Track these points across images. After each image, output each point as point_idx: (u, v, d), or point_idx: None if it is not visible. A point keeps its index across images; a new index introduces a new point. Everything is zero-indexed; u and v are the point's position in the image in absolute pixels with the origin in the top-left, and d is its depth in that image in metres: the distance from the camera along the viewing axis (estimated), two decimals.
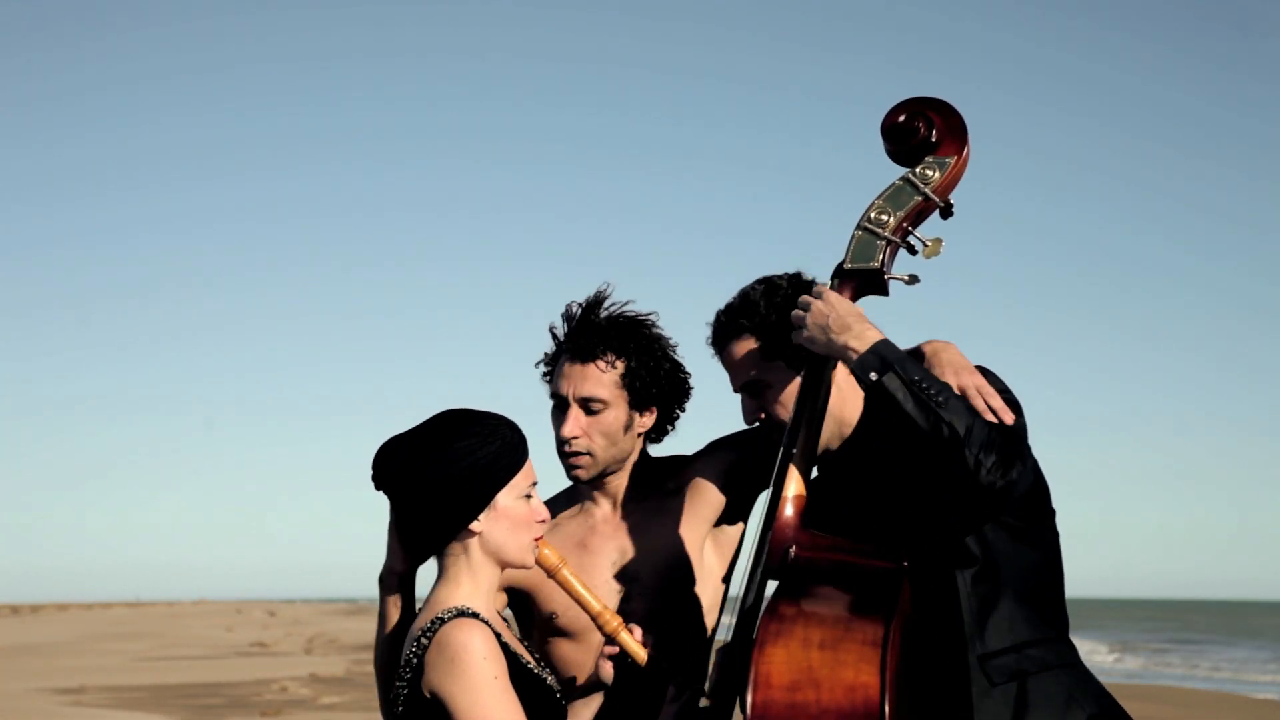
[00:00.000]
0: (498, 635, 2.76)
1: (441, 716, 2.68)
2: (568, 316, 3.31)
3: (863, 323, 2.87)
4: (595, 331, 3.26)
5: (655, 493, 3.37)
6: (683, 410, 3.37)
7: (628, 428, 3.28)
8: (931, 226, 3.02)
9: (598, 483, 3.33)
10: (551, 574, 2.97)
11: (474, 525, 2.78)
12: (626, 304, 3.32)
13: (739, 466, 3.34)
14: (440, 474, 2.75)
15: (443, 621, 2.73)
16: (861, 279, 2.95)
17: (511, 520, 2.80)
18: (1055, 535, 3.05)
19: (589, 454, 3.26)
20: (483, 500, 2.77)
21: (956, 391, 2.86)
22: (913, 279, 2.94)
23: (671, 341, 3.34)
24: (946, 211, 2.99)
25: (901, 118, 2.98)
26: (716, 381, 3.27)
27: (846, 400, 3.07)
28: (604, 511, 3.37)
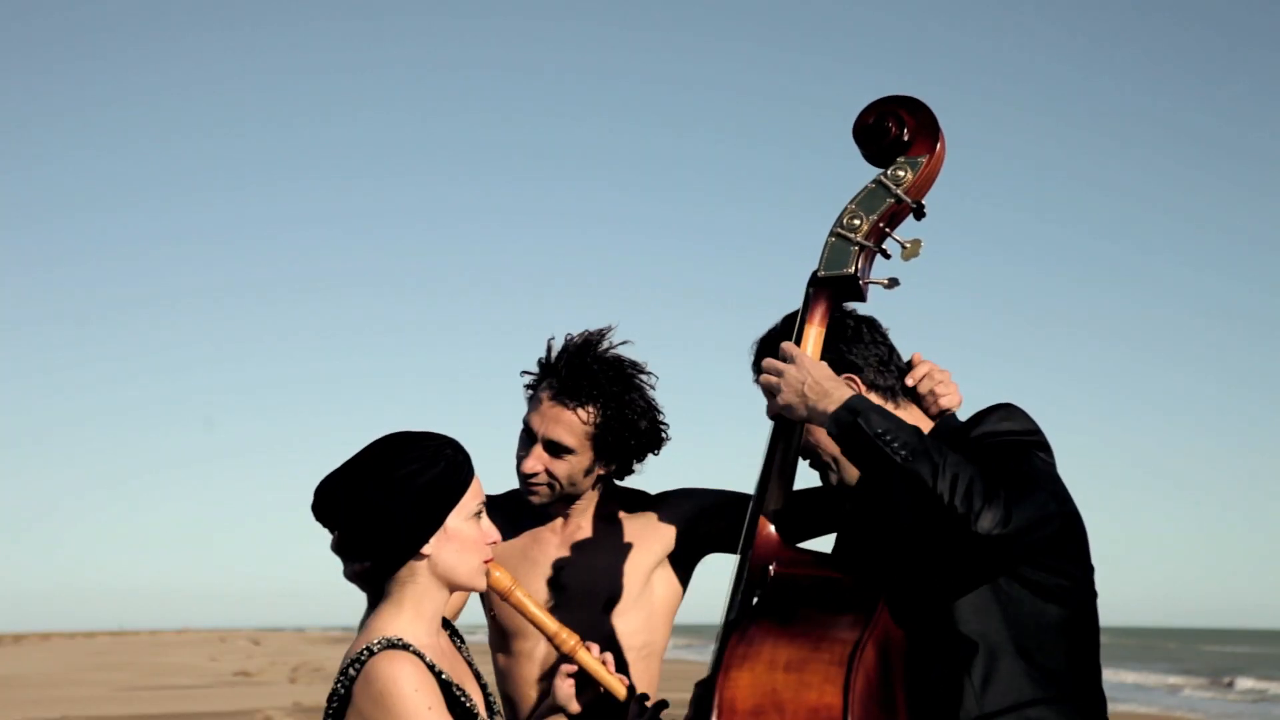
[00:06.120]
0: (431, 666, 2.65)
1: None
2: (563, 350, 3.25)
3: (838, 385, 2.79)
4: (581, 376, 3.20)
5: (608, 515, 3.35)
6: (655, 455, 3.33)
7: (589, 472, 3.27)
8: (910, 228, 2.97)
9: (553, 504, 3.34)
10: (504, 597, 2.93)
11: (424, 549, 2.68)
12: (622, 344, 3.27)
13: (702, 515, 3.33)
14: (386, 502, 2.63)
15: (372, 653, 2.63)
16: (836, 286, 2.90)
17: (461, 542, 2.70)
18: (1088, 591, 2.86)
19: (548, 486, 3.26)
20: (433, 524, 2.67)
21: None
22: (893, 282, 2.90)
23: (653, 389, 3.27)
24: (919, 213, 2.93)
25: (871, 119, 2.93)
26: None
27: None
28: (554, 523, 3.36)
